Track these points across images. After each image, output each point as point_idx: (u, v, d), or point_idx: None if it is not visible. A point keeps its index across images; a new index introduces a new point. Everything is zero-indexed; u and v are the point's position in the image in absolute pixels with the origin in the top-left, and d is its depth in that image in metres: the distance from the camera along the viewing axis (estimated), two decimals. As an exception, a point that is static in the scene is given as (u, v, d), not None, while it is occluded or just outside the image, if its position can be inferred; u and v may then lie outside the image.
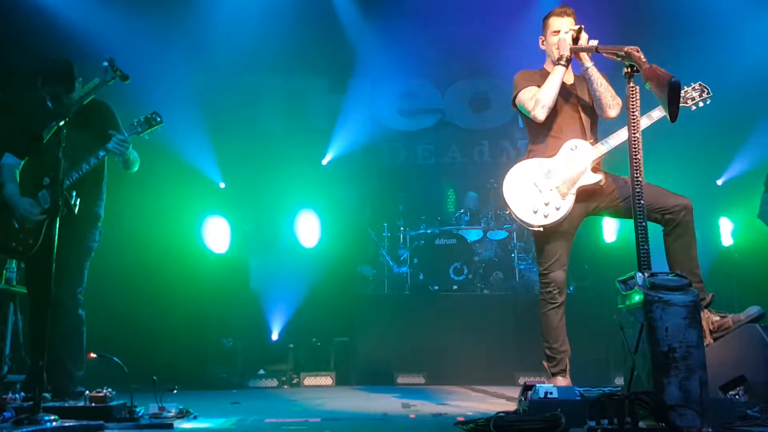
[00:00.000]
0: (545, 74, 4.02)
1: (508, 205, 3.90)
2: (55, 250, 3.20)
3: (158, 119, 4.05)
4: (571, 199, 3.82)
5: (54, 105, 4.00)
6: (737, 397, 3.36)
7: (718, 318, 3.61)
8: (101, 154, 3.96)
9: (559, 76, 3.85)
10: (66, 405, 3.51)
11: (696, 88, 4.00)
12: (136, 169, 4.28)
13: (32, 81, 4.01)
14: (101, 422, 3.23)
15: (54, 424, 2.99)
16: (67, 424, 3.04)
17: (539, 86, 3.92)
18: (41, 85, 3.99)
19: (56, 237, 3.22)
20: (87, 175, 3.96)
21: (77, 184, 3.89)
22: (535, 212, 3.82)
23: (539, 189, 3.86)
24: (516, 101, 4.02)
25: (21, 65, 5.58)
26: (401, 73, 8.46)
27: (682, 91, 3.92)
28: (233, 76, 7.46)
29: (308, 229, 7.56)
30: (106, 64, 3.61)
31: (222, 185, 7.44)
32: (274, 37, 7.34)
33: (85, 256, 4.07)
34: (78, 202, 3.79)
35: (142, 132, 4.03)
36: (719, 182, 7.44)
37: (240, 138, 7.51)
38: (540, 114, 3.85)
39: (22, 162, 4.08)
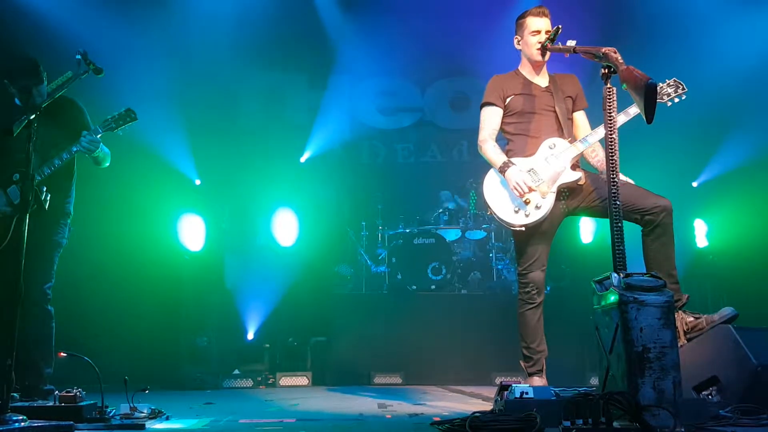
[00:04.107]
0: (520, 76, 4.08)
1: (488, 205, 3.90)
2: (24, 247, 3.14)
3: (133, 115, 4.01)
4: (551, 197, 3.83)
5: (24, 100, 3.94)
6: (710, 397, 3.39)
7: (692, 319, 3.65)
8: (73, 149, 3.93)
9: (497, 165, 3.95)
10: (35, 405, 3.47)
11: (671, 84, 4.00)
12: (107, 164, 4.24)
13: None
14: (71, 423, 3.17)
15: (22, 424, 2.93)
16: (36, 425, 2.99)
17: (508, 93, 4.04)
18: (8, 84, 3.94)
19: (25, 233, 3.15)
20: (57, 171, 3.92)
21: (48, 180, 3.84)
22: (516, 212, 3.82)
23: (520, 188, 3.86)
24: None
25: None
26: (381, 71, 8.42)
27: (658, 88, 3.94)
28: (211, 71, 7.34)
29: (285, 228, 7.50)
30: (79, 56, 3.52)
31: (197, 182, 7.34)
32: (252, 32, 7.26)
33: (54, 251, 4.02)
34: (48, 198, 3.72)
35: (117, 128, 3.99)
36: (695, 184, 7.50)
37: (216, 134, 7.39)
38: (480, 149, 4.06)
39: None
